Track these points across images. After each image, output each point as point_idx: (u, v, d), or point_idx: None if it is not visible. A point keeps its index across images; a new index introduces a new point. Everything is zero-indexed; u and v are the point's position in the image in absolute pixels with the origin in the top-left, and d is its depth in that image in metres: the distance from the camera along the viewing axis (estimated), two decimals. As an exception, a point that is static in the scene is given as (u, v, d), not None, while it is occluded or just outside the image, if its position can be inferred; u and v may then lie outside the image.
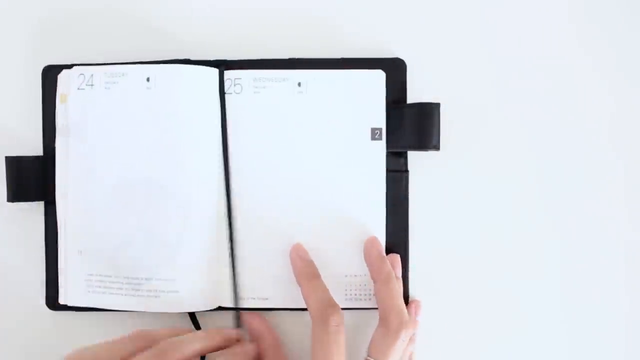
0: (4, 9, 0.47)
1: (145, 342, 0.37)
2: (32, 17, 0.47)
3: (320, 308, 0.39)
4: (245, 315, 0.44)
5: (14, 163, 0.45)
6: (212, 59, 0.45)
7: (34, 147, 0.46)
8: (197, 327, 0.45)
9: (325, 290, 0.40)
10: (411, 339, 0.42)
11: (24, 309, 0.46)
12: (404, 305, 0.41)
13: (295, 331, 0.46)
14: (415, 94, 0.45)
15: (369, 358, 0.40)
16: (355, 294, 0.44)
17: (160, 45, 0.46)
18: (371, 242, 0.43)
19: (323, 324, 0.38)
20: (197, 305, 0.43)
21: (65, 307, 0.45)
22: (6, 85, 0.47)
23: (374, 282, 0.42)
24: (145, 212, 0.43)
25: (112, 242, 0.43)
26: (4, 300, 0.46)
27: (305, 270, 0.42)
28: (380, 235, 0.44)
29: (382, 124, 0.44)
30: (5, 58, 0.47)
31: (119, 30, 0.47)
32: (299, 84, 0.44)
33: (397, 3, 0.46)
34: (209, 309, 0.44)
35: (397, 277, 0.43)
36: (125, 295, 0.43)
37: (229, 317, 0.45)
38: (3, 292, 0.46)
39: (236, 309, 0.44)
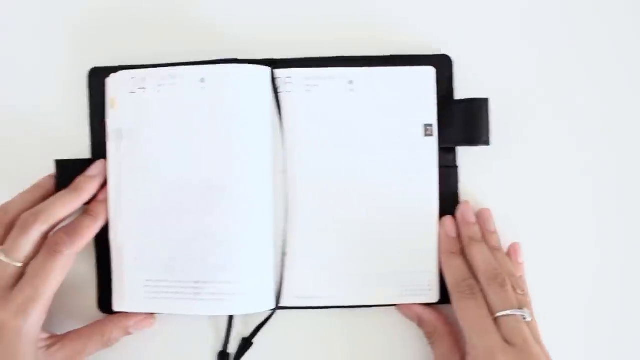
0: (47, 11, 0.46)
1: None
2: (75, 19, 0.46)
3: (454, 282, 0.43)
4: (420, 310, 0.44)
5: (64, 166, 0.44)
6: (259, 58, 0.45)
7: (81, 150, 0.46)
8: (230, 329, 0.45)
9: (459, 265, 0.43)
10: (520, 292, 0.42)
11: (75, 310, 0.46)
12: (487, 259, 0.42)
13: (358, 330, 0.46)
14: (461, 90, 0.46)
15: (496, 314, 0.40)
16: (412, 290, 0.45)
17: (205, 45, 0.46)
18: (440, 224, 0.45)
19: (457, 294, 0.42)
20: (258, 306, 0.43)
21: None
22: (52, 87, 0.46)
23: None
24: (203, 214, 0.43)
25: (170, 245, 0.43)
26: (54, 302, 0.45)
27: (444, 246, 0.44)
28: (434, 231, 0.45)
29: (433, 120, 0.45)
30: (50, 60, 0.46)
31: (162, 31, 0.46)
32: (350, 82, 0.44)
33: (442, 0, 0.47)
34: (268, 309, 0.44)
35: (491, 232, 0.45)
36: (187, 299, 0.43)
37: (288, 317, 0.45)
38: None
39: (294, 309, 0.45)
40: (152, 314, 0.44)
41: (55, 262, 0.41)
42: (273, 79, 0.44)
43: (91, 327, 0.44)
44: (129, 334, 0.44)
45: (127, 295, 0.44)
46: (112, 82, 0.44)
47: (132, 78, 0.43)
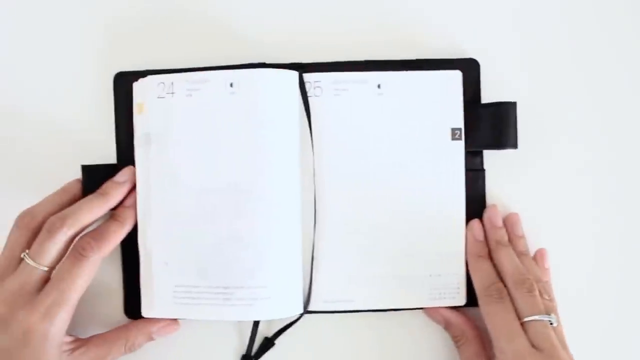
0: (73, 16, 0.46)
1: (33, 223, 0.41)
2: (100, 24, 0.46)
3: (482, 285, 0.43)
4: (447, 313, 0.45)
5: (90, 171, 0.44)
6: (286, 62, 0.45)
7: (106, 154, 0.45)
8: (255, 333, 0.45)
9: (487, 269, 0.43)
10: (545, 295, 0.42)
11: (101, 316, 0.46)
12: (515, 263, 0.43)
13: (384, 333, 0.46)
14: (487, 94, 0.46)
15: (524, 319, 0.41)
16: (440, 293, 0.45)
17: (231, 50, 0.46)
18: (468, 227, 0.45)
19: (486, 298, 0.42)
20: (287, 311, 0.43)
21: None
22: (77, 92, 0.46)
23: None
24: (232, 219, 0.43)
25: (200, 251, 0.43)
26: (80, 308, 0.45)
27: (472, 249, 0.45)
28: (461, 234, 0.45)
29: (461, 123, 0.45)
30: (76, 65, 0.46)
31: (187, 35, 0.46)
32: (379, 86, 0.44)
33: (468, 4, 0.47)
34: (297, 314, 0.44)
35: (518, 236, 0.45)
36: (216, 305, 0.42)
37: (313, 320, 0.45)
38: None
39: (323, 312, 0.45)
40: (175, 319, 0.44)
41: (81, 267, 0.41)
42: (302, 83, 0.44)
43: (115, 332, 0.44)
44: (152, 339, 0.44)
45: (156, 301, 0.43)
46: (140, 87, 0.44)
47: (161, 83, 0.43)
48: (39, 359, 0.39)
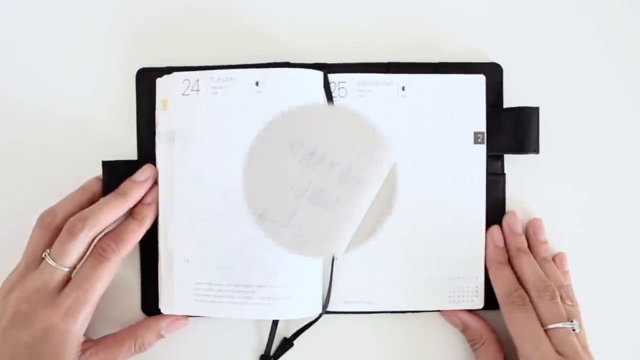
0: (97, 13, 0.46)
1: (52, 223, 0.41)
2: (123, 20, 0.46)
3: (504, 292, 0.43)
4: (465, 317, 0.45)
5: (111, 167, 0.44)
6: (310, 62, 0.45)
7: (127, 151, 0.45)
8: (274, 333, 0.45)
9: (508, 275, 0.44)
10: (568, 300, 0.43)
11: (119, 313, 0.45)
12: (536, 270, 0.43)
13: (404, 334, 0.46)
14: (509, 98, 0.46)
15: (547, 327, 0.41)
16: (459, 296, 0.45)
17: (255, 50, 0.46)
18: (488, 234, 0.45)
19: (509, 305, 0.42)
20: (307, 311, 0.44)
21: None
22: (99, 88, 0.46)
23: None
24: (255, 219, 0.43)
25: (225, 249, 0.43)
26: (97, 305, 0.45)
27: (492, 256, 0.45)
28: (481, 237, 0.45)
29: (483, 127, 0.45)
30: (98, 60, 0.46)
31: (209, 33, 0.46)
32: (403, 88, 0.44)
33: (491, 8, 0.47)
34: (317, 314, 0.44)
35: (541, 242, 0.45)
36: (237, 303, 0.42)
37: (331, 321, 0.45)
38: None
39: (342, 313, 0.45)
40: (185, 315, 0.44)
41: (102, 269, 0.41)
42: (327, 84, 0.44)
43: (123, 332, 0.44)
44: (161, 337, 0.44)
45: (176, 298, 0.43)
46: (164, 84, 0.44)
47: (186, 80, 0.43)
48: (57, 355, 0.39)
